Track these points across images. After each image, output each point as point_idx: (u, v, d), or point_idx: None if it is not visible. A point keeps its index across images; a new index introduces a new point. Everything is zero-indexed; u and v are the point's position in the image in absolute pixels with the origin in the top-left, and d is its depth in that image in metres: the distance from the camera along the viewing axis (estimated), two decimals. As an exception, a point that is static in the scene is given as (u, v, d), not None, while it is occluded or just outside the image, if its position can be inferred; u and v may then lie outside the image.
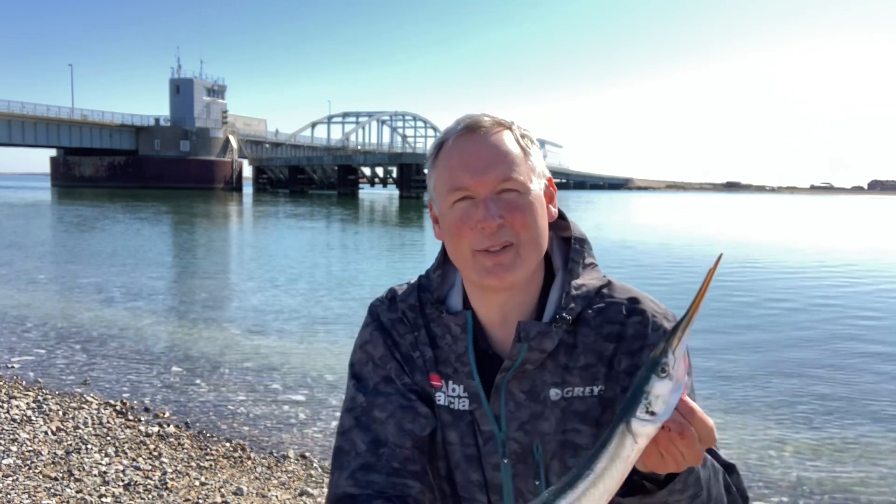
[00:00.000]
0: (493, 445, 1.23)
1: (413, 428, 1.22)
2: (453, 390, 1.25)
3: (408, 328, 1.29)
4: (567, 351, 1.21)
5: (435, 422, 1.24)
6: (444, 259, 1.31)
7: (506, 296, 1.22)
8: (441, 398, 1.25)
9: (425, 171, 1.27)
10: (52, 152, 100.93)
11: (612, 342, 1.22)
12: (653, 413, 0.88)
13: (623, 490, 0.96)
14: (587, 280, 1.26)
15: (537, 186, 1.21)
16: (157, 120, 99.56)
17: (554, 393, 1.20)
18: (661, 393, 0.87)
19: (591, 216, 44.23)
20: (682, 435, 0.91)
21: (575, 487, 0.89)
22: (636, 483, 1.02)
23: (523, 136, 1.22)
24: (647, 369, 0.89)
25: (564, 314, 1.20)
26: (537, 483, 1.22)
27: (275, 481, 4.37)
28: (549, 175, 1.27)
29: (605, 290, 1.26)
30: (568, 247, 1.32)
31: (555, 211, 1.27)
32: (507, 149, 1.18)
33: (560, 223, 1.33)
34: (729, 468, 1.19)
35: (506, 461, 1.22)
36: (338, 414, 1.32)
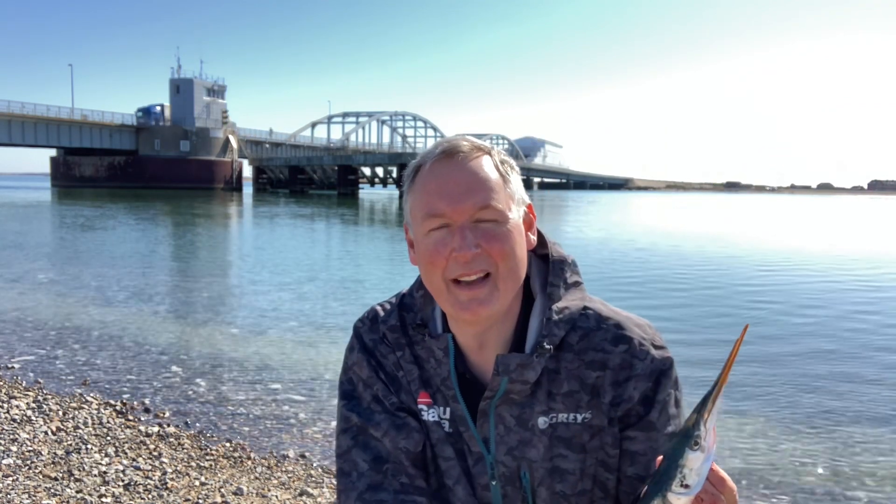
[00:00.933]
0: (482, 466, 1.21)
1: (407, 445, 1.21)
2: (436, 410, 1.24)
3: (389, 349, 1.28)
4: (550, 377, 1.19)
5: (425, 436, 1.23)
6: None
7: (482, 325, 1.19)
8: (434, 415, 1.23)
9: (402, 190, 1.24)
10: (52, 152, 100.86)
11: (596, 370, 1.19)
12: (687, 486, 0.92)
13: None
14: (570, 302, 1.22)
15: (516, 214, 1.16)
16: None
17: (542, 421, 1.18)
18: (694, 465, 0.91)
19: (594, 217, 44.22)
20: None
21: None
22: None
23: (503, 162, 1.18)
24: (680, 441, 0.92)
25: (545, 343, 1.16)
26: None
27: (275, 481, 4.36)
28: (528, 202, 1.23)
29: (589, 313, 1.22)
30: (547, 268, 1.27)
31: (534, 239, 1.24)
32: (485, 175, 1.14)
33: (539, 239, 1.28)
34: None
35: (494, 483, 1.21)
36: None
